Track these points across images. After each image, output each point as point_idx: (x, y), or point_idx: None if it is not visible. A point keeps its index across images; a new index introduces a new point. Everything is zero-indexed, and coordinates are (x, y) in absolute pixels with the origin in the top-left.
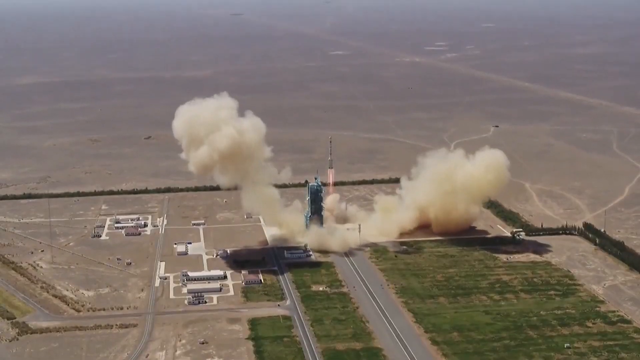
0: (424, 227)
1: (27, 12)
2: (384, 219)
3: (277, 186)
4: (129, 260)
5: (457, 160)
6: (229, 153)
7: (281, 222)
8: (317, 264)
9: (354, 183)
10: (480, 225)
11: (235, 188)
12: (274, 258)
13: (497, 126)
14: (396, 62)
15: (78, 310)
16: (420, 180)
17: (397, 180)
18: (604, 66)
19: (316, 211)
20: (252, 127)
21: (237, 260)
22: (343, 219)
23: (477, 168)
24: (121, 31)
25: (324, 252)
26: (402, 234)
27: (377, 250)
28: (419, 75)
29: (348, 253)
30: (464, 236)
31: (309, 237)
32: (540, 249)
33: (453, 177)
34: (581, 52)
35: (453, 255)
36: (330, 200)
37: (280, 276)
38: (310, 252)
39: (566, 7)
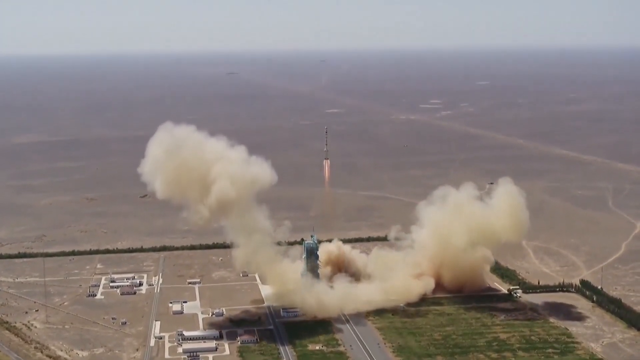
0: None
1: (23, 71)
2: (387, 278)
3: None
4: (124, 320)
5: (461, 206)
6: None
7: (276, 280)
8: (313, 323)
9: (350, 240)
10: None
11: (230, 246)
12: (270, 317)
13: (492, 183)
14: (391, 119)
15: None
16: (421, 234)
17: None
18: (598, 123)
19: (312, 270)
20: (260, 177)
21: (233, 319)
22: (349, 272)
23: (488, 211)
24: (117, 90)
25: (318, 318)
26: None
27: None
28: (414, 133)
29: (344, 313)
30: (461, 294)
31: (301, 299)
32: (537, 306)
33: (458, 226)
34: (574, 110)
35: (450, 313)
36: (333, 250)
37: (276, 335)
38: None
39: (558, 66)
